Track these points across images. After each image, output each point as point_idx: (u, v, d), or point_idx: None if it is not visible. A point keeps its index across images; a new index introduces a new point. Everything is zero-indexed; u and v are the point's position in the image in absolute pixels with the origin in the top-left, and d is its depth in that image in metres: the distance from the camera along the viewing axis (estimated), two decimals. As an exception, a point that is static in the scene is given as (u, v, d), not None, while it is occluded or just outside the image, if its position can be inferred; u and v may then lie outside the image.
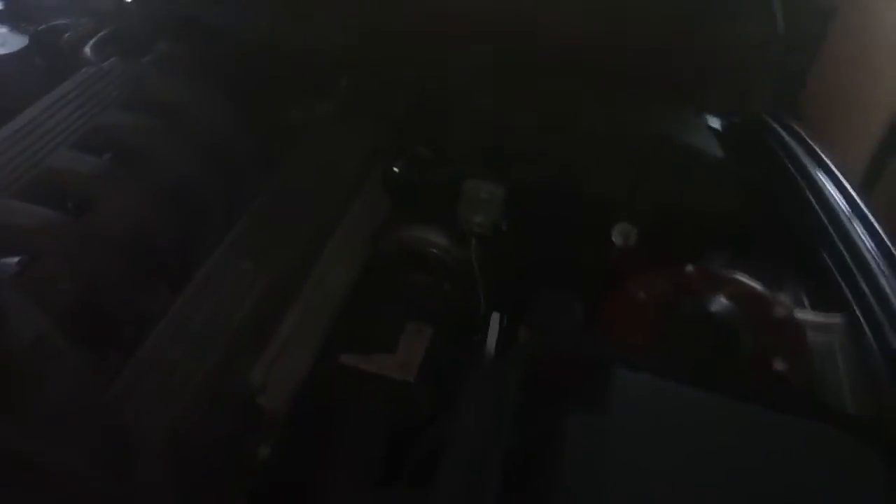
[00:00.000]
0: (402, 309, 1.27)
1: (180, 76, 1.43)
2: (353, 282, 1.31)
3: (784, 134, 1.55)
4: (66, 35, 1.67)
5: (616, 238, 1.36)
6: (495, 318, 1.13)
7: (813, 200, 1.35)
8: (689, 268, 1.08)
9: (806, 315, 1.10)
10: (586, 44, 1.44)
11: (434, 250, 1.36)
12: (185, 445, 0.91)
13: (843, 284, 1.15)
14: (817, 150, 1.47)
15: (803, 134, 1.55)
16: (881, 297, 1.03)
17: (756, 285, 1.06)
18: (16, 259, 1.06)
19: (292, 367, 1.13)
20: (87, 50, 1.61)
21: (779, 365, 0.97)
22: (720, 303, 1.02)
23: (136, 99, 1.34)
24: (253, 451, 1.07)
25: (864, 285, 1.10)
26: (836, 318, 1.08)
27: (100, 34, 1.65)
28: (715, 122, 1.57)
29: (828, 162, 1.43)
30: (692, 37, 1.45)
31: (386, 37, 1.48)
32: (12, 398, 0.76)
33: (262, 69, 1.54)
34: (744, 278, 1.08)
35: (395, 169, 1.44)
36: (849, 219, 1.25)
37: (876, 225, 1.20)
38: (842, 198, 1.31)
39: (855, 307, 1.07)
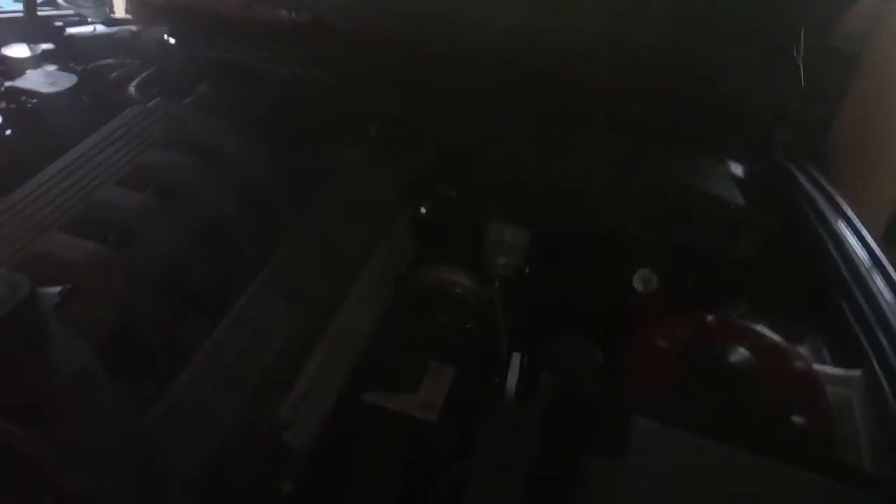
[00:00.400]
0: (425, 348, 1.30)
1: (219, 118, 1.50)
2: (378, 321, 1.34)
3: (805, 182, 1.57)
4: (113, 74, 1.76)
5: (637, 284, 1.39)
6: (516, 359, 1.16)
7: (833, 251, 1.37)
8: (710, 317, 1.10)
9: (824, 368, 1.11)
10: (609, 92, 1.48)
11: (458, 290, 1.39)
12: (215, 478, 0.94)
13: (861, 337, 1.16)
14: (838, 199, 1.49)
15: (824, 183, 1.57)
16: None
17: (775, 337, 1.08)
18: (57, 289, 1.12)
19: (318, 405, 1.16)
20: (132, 89, 1.69)
21: (796, 418, 0.98)
22: (739, 353, 1.04)
23: (177, 139, 1.40)
24: (278, 486, 1.10)
25: (882, 339, 1.11)
26: (854, 372, 1.09)
27: (144, 74, 1.73)
28: (737, 169, 1.59)
29: (848, 212, 1.45)
30: (714, 85, 1.48)
31: (411, 87, 1.54)
32: (55, 428, 0.80)
33: (295, 113, 1.61)
34: (763, 329, 1.09)
35: (422, 210, 1.48)
36: (868, 271, 1.27)
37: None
38: (862, 249, 1.33)
39: (873, 361, 1.09)
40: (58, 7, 2.03)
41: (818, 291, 1.33)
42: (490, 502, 0.81)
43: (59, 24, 1.93)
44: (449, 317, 1.38)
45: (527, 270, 1.40)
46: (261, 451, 1.02)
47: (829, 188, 1.55)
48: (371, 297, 1.33)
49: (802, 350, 1.09)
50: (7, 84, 1.63)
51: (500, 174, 1.49)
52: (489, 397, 1.13)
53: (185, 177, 1.32)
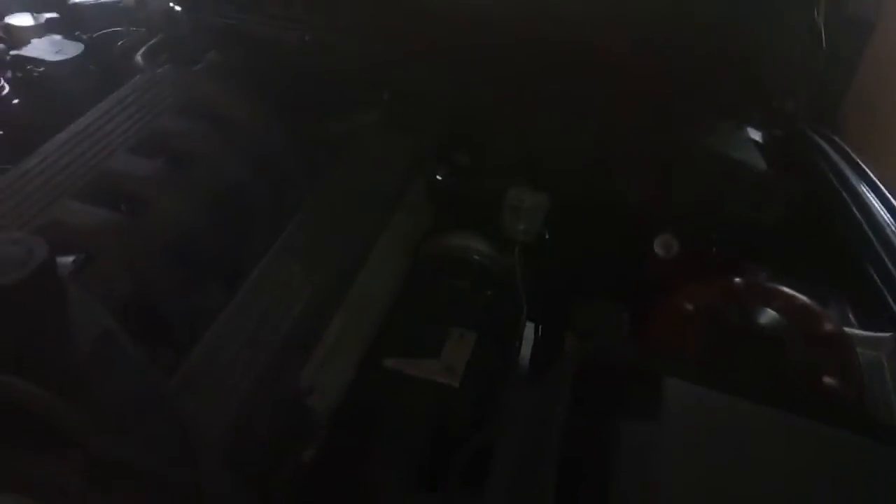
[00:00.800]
0: (445, 315, 1.28)
1: (230, 85, 1.47)
2: (397, 287, 1.33)
3: (827, 147, 1.55)
4: (119, 43, 1.72)
5: (658, 249, 1.36)
6: (530, 327, 1.14)
7: (858, 214, 1.35)
8: (738, 279, 1.08)
9: (853, 331, 1.09)
10: (626, 58, 1.45)
11: (476, 257, 1.37)
12: (239, 443, 0.93)
13: (889, 300, 1.14)
14: (862, 164, 1.47)
15: (846, 148, 1.54)
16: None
17: (805, 299, 1.06)
18: (71, 258, 1.10)
19: (338, 371, 1.15)
20: (139, 58, 1.66)
21: (829, 380, 0.96)
22: (769, 315, 1.02)
23: (188, 105, 1.37)
24: (299, 452, 1.09)
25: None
26: (883, 335, 1.08)
27: (151, 42, 1.69)
28: (756, 135, 1.57)
29: (873, 177, 1.42)
30: (735, 50, 1.45)
31: (424, 53, 1.51)
32: (80, 392, 0.79)
33: (306, 80, 1.58)
34: (793, 292, 1.07)
35: (438, 177, 1.46)
36: (894, 233, 1.25)
37: (921, 239, 1.19)
38: (888, 213, 1.30)
39: (902, 322, 1.07)
40: (60, -25, 1.98)
41: (843, 256, 1.31)
42: (519, 468, 0.79)
43: (62, -8, 1.89)
44: (468, 283, 1.37)
45: (547, 236, 1.38)
46: (283, 416, 1.00)
47: (853, 154, 1.52)
48: (389, 263, 1.31)
49: (832, 312, 1.07)
50: (13, 52, 1.60)
51: (516, 141, 1.46)
52: (511, 363, 1.11)
53: (199, 144, 1.30)
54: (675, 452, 0.77)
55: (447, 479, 0.96)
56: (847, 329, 1.08)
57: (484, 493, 0.79)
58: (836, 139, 1.58)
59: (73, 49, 1.63)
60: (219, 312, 1.04)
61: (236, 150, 1.31)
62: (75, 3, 1.85)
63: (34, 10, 1.77)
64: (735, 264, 1.28)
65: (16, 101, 1.56)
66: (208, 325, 1.03)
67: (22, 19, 1.73)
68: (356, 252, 1.23)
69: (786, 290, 1.08)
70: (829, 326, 1.03)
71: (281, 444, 1.03)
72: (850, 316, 1.22)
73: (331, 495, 1.09)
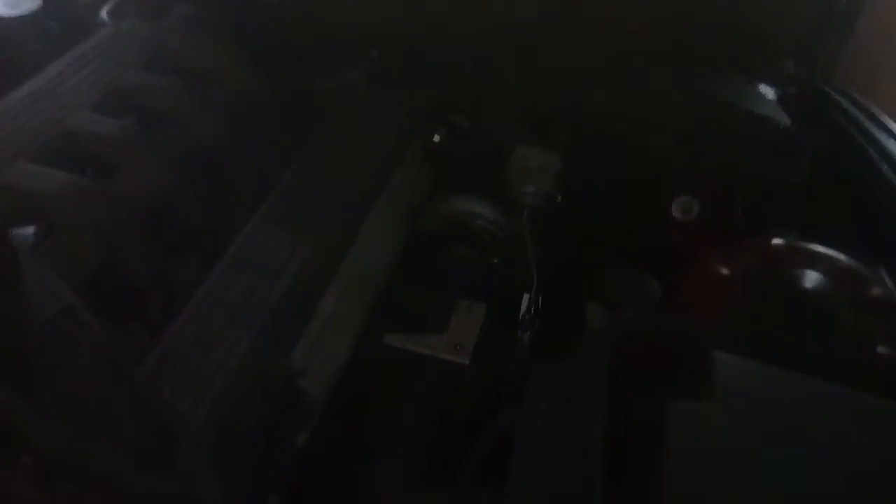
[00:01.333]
0: (448, 286, 1.17)
1: (204, 38, 1.33)
2: (395, 258, 1.21)
3: (849, 105, 1.46)
4: (82, -2, 1.58)
5: (676, 212, 1.26)
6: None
7: (888, 172, 1.26)
8: (776, 240, 0.98)
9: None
10: (634, 11, 1.34)
11: (480, 222, 1.26)
12: (223, 431, 0.82)
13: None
14: (885, 119, 1.39)
15: (870, 106, 1.46)
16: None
17: (852, 261, 0.96)
18: (32, 228, 0.98)
19: (334, 348, 1.04)
20: (104, 13, 1.52)
21: (881, 349, 0.87)
22: (814, 280, 0.92)
23: (159, 59, 1.24)
24: (292, 438, 0.98)
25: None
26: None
27: (117, -4, 1.55)
28: (774, 94, 1.47)
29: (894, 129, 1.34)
30: (748, 5, 1.35)
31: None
32: (34, 378, 0.67)
33: (287, 34, 1.45)
34: (837, 254, 0.97)
35: (436, 138, 1.34)
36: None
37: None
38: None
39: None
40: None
41: (873, 215, 1.22)
42: (551, 456, 0.69)
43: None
44: (473, 252, 1.25)
45: (559, 199, 1.26)
46: (273, 400, 0.89)
47: (874, 109, 1.43)
48: (387, 230, 1.20)
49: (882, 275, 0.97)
50: (-37, 7, 1.45)
51: (521, 94, 1.34)
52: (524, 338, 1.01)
53: (171, 101, 1.17)
54: (726, 432, 0.68)
55: (459, 471, 0.85)
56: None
57: (506, 488, 0.68)
58: (858, 97, 1.50)
59: (28, 4, 1.49)
60: (198, 287, 0.93)
61: (213, 109, 1.18)
62: (32, -45, 1.69)
63: (-12, -37, 1.62)
64: (760, 228, 1.19)
65: (-33, 58, 1.42)
66: (186, 301, 0.91)
67: (-27, -28, 1.58)
68: (349, 219, 1.11)
69: (829, 251, 0.98)
70: (878, 291, 0.93)
71: (270, 430, 0.92)
72: (886, 278, 1.14)
73: (325, 488, 0.98)
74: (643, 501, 0.62)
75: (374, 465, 0.99)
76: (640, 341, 0.74)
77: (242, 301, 0.92)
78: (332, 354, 1.04)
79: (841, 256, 0.98)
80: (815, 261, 0.95)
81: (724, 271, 0.96)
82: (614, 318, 0.74)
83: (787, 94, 1.50)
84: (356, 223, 1.12)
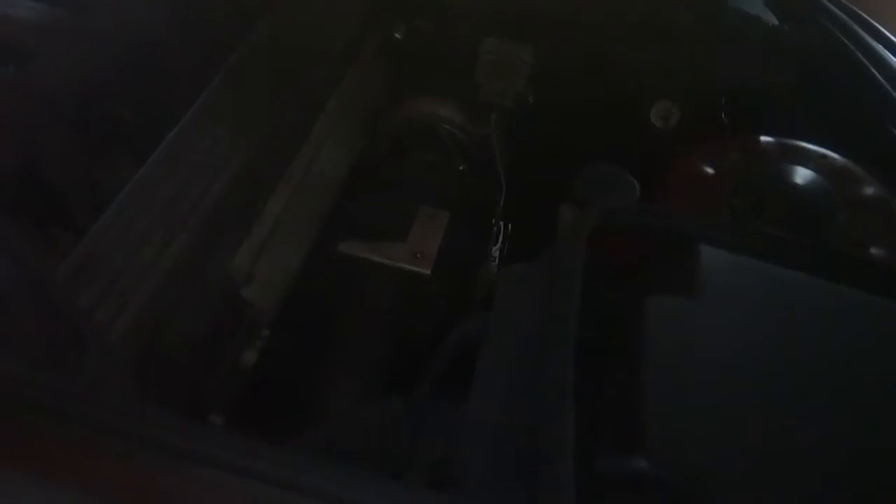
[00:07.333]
0: (410, 193, 1.07)
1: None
2: (351, 162, 1.11)
3: (833, 7, 1.37)
4: None
5: (655, 119, 1.18)
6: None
7: (877, 75, 1.18)
8: (764, 137, 0.90)
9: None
10: None
11: (446, 126, 1.15)
12: (152, 342, 0.73)
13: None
14: (872, 21, 1.30)
15: (854, 7, 1.37)
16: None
17: (843, 160, 0.89)
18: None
19: (283, 257, 0.94)
20: None
21: (875, 250, 0.81)
22: (804, 177, 0.84)
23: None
24: (236, 355, 0.90)
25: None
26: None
27: None
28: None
29: (886, 34, 1.26)
30: None
31: None
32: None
33: None
34: (828, 152, 0.90)
35: (397, 35, 1.21)
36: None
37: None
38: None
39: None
40: None
41: (863, 119, 1.15)
42: (521, 353, 0.61)
43: None
44: (436, 156, 1.15)
45: (530, 99, 1.16)
46: (210, 310, 0.80)
47: (860, 11, 1.35)
48: (341, 133, 1.10)
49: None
50: None
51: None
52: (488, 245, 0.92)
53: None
54: (710, 329, 0.61)
55: (418, 383, 0.78)
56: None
57: (472, 392, 0.61)
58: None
59: None
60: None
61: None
62: None
63: None
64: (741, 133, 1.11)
65: None
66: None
67: None
68: (297, 116, 1.00)
69: (820, 149, 0.90)
70: (871, 190, 0.86)
71: (211, 346, 0.83)
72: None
73: (276, 407, 0.90)
74: (619, 401, 0.55)
75: (326, 380, 0.91)
76: (618, 234, 0.67)
77: (174, 201, 0.82)
78: (282, 263, 0.95)
79: (832, 154, 0.90)
80: (806, 159, 0.88)
81: (708, 169, 0.88)
82: (590, 208, 0.65)
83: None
84: (305, 121, 1.02)
